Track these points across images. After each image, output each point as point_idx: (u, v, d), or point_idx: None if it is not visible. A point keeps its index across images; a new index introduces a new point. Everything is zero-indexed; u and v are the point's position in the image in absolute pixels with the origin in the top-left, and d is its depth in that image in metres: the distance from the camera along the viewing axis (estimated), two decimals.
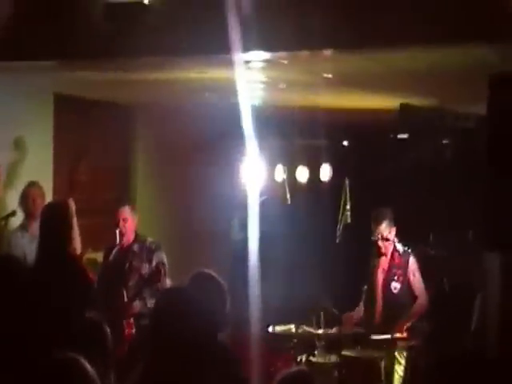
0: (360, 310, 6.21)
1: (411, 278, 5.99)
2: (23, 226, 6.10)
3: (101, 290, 5.21)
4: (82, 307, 3.77)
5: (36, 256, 4.68)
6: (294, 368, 4.11)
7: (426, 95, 6.10)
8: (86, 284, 4.39)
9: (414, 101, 6.10)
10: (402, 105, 5.77)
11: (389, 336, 5.74)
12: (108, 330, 3.60)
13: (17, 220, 6.23)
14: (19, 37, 5.35)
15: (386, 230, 5.96)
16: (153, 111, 7.82)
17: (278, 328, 6.04)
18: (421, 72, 5.13)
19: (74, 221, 5.94)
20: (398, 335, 5.78)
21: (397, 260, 6.01)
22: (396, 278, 5.98)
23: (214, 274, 3.36)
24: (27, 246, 5.75)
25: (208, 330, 2.81)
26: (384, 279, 6.02)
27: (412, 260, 6.02)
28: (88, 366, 2.20)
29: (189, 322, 2.65)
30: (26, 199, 6.20)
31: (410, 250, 6.05)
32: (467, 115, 5.90)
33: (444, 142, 7.30)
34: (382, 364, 5.72)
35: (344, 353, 5.81)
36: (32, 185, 6.37)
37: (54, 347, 2.55)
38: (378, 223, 5.95)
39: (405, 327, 5.87)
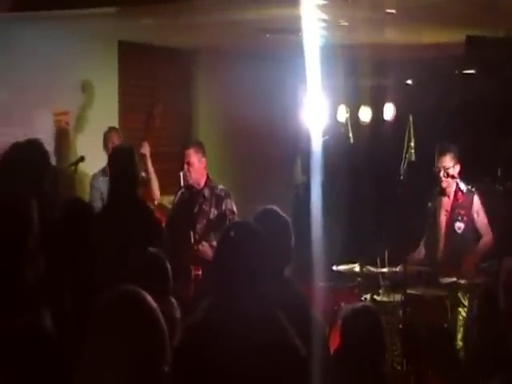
0: (421, 250, 6.15)
1: (475, 217, 5.89)
2: (105, 171, 6.22)
3: (169, 232, 5.30)
4: (147, 245, 3.86)
5: (107, 198, 4.80)
6: (360, 303, 4.16)
7: (492, 27, 5.91)
8: (152, 225, 4.49)
9: (481, 34, 5.92)
10: (468, 37, 5.60)
11: (454, 279, 5.69)
12: (168, 264, 3.72)
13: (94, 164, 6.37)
14: None
15: (450, 164, 5.84)
16: (215, 56, 7.82)
17: (343, 267, 6.07)
18: (486, 2, 4.96)
19: (150, 165, 6.11)
20: (465, 276, 5.71)
21: (460, 199, 5.91)
22: (460, 218, 5.89)
23: (278, 209, 3.37)
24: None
25: (274, 264, 2.83)
26: (448, 219, 5.94)
27: (476, 199, 5.90)
28: (149, 299, 2.24)
29: (255, 255, 2.67)
30: (107, 144, 6.34)
31: (473, 189, 5.94)
32: None
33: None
34: (448, 303, 5.71)
35: (409, 291, 5.80)
36: (112, 129, 6.52)
37: (117, 278, 2.62)
38: (442, 155, 5.83)
39: (471, 265, 5.80)
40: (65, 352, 2.61)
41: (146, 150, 6.06)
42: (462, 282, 5.66)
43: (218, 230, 5.30)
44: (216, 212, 5.54)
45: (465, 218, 5.88)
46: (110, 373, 2.18)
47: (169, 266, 3.77)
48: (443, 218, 5.97)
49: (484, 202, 5.92)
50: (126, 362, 2.17)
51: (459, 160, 5.89)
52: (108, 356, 2.16)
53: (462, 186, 5.93)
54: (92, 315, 2.22)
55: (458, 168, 5.89)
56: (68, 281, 3.36)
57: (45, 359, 2.56)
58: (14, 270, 2.70)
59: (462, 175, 5.93)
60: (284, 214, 3.37)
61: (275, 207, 3.40)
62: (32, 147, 4.34)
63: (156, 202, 6.18)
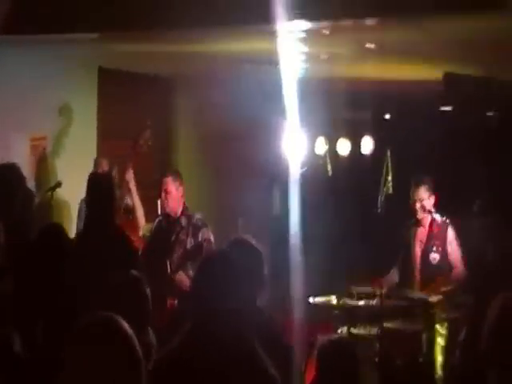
0: (393, 275, 6.14)
1: (449, 248, 5.93)
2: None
3: (146, 260, 5.26)
4: (123, 270, 3.82)
5: (83, 224, 4.76)
6: (336, 335, 4.14)
7: (470, 65, 6.00)
8: (128, 252, 4.45)
9: (459, 71, 6.00)
10: (446, 74, 5.68)
11: (429, 305, 5.70)
12: (147, 287, 3.67)
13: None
14: (62, 10, 5.40)
15: (425, 195, 5.89)
16: (194, 83, 7.85)
17: (319, 299, 6.05)
18: (465, 40, 5.05)
19: (135, 192, 6.05)
20: (434, 298, 5.73)
21: (435, 230, 5.95)
22: (435, 248, 5.92)
23: (250, 239, 3.37)
24: None
25: (247, 293, 2.83)
26: (423, 251, 5.97)
27: (450, 230, 5.94)
28: (125, 325, 2.22)
29: (230, 284, 2.68)
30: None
31: (448, 220, 5.98)
32: None
33: (488, 114, 7.20)
34: (424, 336, 5.71)
35: (385, 325, 5.80)
36: (100, 157, 6.52)
37: (95, 302, 2.58)
38: (417, 187, 5.89)
39: (437, 292, 5.82)
40: (33, 374, 2.56)
41: (129, 176, 6.01)
42: (439, 314, 5.69)
43: (194, 260, 5.29)
44: (193, 241, 5.51)
45: (439, 249, 5.91)
46: None
47: (148, 291, 3.73)
48: (418, 250, 6.00)
49: (460, 235, 5.97)
50: None
51: (434, 191, 5.94)
52: (84, 381, 2.14)
53: (437, 217, 5.97)
54: (67, 340, 2.19)
55: (432, 199, 5.94)
56: (40, 305, 3.30)
57: (12, 380, 2.52)
58: None
59: (438, 207, 5.98)
60: (256, 244, 3.37)
61: (247, 237, 3.39)
62: (5, 171, 4.30)
63: (141, 233, 6.10)
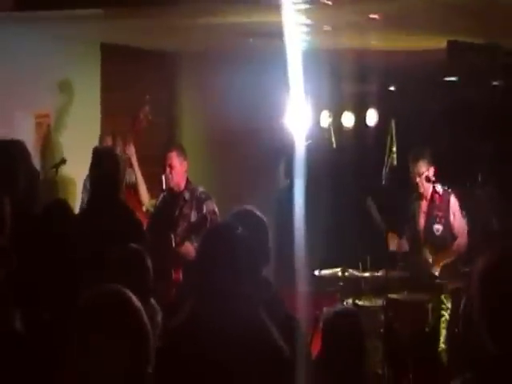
0: (404, 243, 6.14)
1: (451, 218, 5.93)
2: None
3: (151, 235, 5.27)
4: (124, 244, 3.83)
5: (87, 200, 4.77)
6: (341, 306, 4.16)
7: (474, 34, 5.95)
8: (132, 225, 4.46)
9: (463, 39, 5.95)
10: (449, 42, 5.62)
11: (434, 276, 5.72)
12: (148, 260, 3.70)
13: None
14: None
15: (424, 168, 5.88)
16: (198, 59, 7.81)
17: (324, 271, 6.07)
18: (468, 6, 4.99)
19: (137, 167, 6.06)
20: (436, 272, 5.76)
21: (437, 201, 5.95)
22: (438, 219, 5.93)
23: (254, 209, 3.36)
24: None
25: (252, 264, 2.84)
26: (426, 222, 5.99)
27: (453, 200, 5.94)
28: (134, 299, 2.21)
29: (236, 255, 2.68)
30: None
31: (450, 190, 5.97)
32: None
33: (494, 83, 7.14)
34: (429, 307, 5.73)
35: (390, 296, 5.82)
36: (105, 134, 6.52)
37: (97, 276, 2.59)
38: (415, 161, 5.89)
39: (441, 263, 5.83)
40: (36, 352, 2.57)
41: (131, 151, 6.03)
42: (444, 284, 5.70)
43: (199, 232, 5.31)
44: (197, 215, 5.53)
45: (442, 220, 5.92)
46: (94, 373, 2.15)
47: (150, 264, 3.75)
48: (422, 222, 6.01)
49: (463, 206, 5.96)
50: (110, 362, 2.14)
51: (433, 163, 5.93)
52: (92, 356, 2.13)
53: (439, 188, 5.96)
54: (75, 314, 2.18)
55: (432, 171, 5.92)
56: (44, 280, 3.32)
57: (14, 359, 2.52)
58: None
59: (439, 177, 5.96)
60: (260, 214, 3.36)
61: (251, 207, 3.39)
62: (10, 146, 4.31)
63: (144, 209, 6.12)
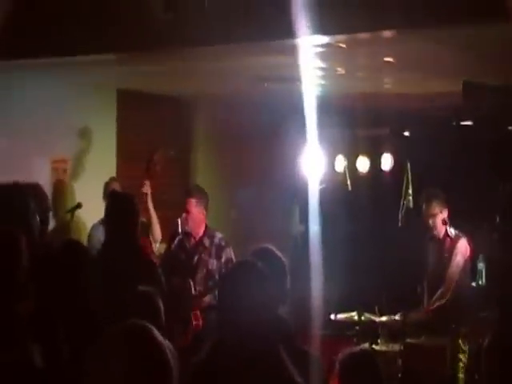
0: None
1: (453, 258, 5.82)
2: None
3: (165, 277, 5.25)
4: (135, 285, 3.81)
5: (103, 243, 4.75)
6: (357, 348, 4.08)
7: (488, 75, 5.96)
8: (147, 267, 4.43)
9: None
10: (465, 82, 5.63)
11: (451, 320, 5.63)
12: (159, 300, 3.67)
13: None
14: (79, 32, 5.45)
15: (437, 210, 5.83)
16: (214, 104, 7.88)
17: (341, 315, 6.00)
18: (483, 48, 5.01)
19: (151, 205, 6.05)
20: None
21: (448, 244, 5.89)
22: (445, 261, 5.85)
23: (274, 248, 3.35)
24: None
25: (271, 303, 2.80)
26: (435, 264, 5.91)
27: (461, 243, 5.84)
28: (158, 334, 2.16)
29: (258, 294, 2.64)
30: (107, 194, 6.32)
31: (460, 234, 5.89)
32: None
33: (510, 128, 7.14)
34: (448, 351, 5.63)
35: (408, 341, 5.73)
36: (113, 180, 6.51)
37: (109, 317, 2.56)
38: (429, 203, 5.84)
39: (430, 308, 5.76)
40: None
41: (147, 189, 6.01)
42: (462, 329, 5.61)
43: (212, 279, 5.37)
44: (215, 262, 5.58)
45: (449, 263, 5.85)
46: None
47: (161, 305, 3.72)
48: (432, 263, 5.94)
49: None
50: None
51: (446, 205, 5.88)
52: None
53: (451, 231, 5.90)
54: (96, 349, 2.12)
55: (445, 213, 5.87)
56: (61, 319, 3.30)
57: None
58: (3, 304, 2.65)
59: (452, 220, 5.91)
60: (279, 253, 3.34)
61: (271, 246, 3.37)
62: (31, 189, 4.33)
63: (156, 252, 6.09)
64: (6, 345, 2.55)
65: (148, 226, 5.98)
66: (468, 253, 5.88)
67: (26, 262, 2.82)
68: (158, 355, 2.11)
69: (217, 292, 5.19)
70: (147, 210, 5.99)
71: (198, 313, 5.44)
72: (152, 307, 3.68)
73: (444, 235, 5.90)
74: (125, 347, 2.08)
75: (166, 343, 3.65)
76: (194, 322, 5.42)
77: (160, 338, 2.14)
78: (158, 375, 2.09)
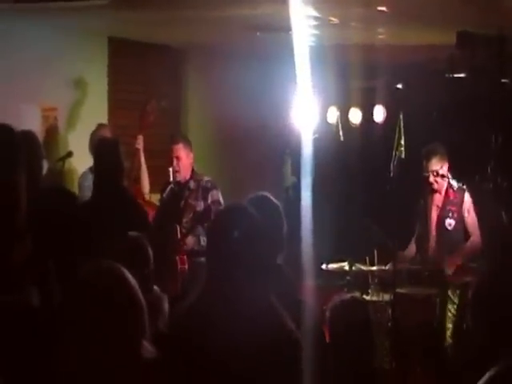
0: (412, 247, 6.15)
1: (465, 215, 5.91)
2: (93, 169, 6.13)
3: (157, 227, 5.26)
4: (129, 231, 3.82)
5: (92, 189, 4.76)
6: (348, 295, 4.12)
7: (482, 26, 5.90)
8: (137, 213, 4.45)
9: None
10: (459, 32, 5.59)
11: (442, 270, 5.69)
12: (150, 249, 3.68)
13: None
14: None
15: (438, 166, 5.86)
16: (206, 53, 7.80)
17: (332, 265, 6.05)
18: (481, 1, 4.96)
19: (143, 160, 6.06)
20: (449, 272, 5.73)
21: (451, 196, 5.92)
22: (451, 214, 5.90)
23: (270, 195, 3.33)
24: None
25: (268, 250, 2.77)
26: (438, 216, 5.95)
27: (467, 197, 5.91)
28: (127, 274, 2.22)
29: (250, 239, 2.60)
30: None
31: (464, 186, 5.94)
32: None
33: (502, 80, 7.10)
34: (437, 302, 5.70)
35: (398, 290, 5.79)
36: (101, 127, 6.45)
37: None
38: (429, 159, 5.86)
39: (456, 264, 5.79)
40: (51, 328, 2.58)
41: (140, 144, 6.02)
42: (452, 279, 5.66)
43: (203, 223, 5.32)
44: (202, 204, 5.54)
45: (455, 215, 5.89)
46: (89, 346, 2.15)
47: (150, 252, 3.74)
48: (434, 214, 5.98)
49: (474, 200, 5.93)
50: (106, 335, 2.15)
51: (447, 159, 5.90)
52: (87, 329, 2.14)
53: (453, 184, 5.94)
54: (70, 289, 2.20)
55: (446, 167, 5.90)
56: (53, 262, 3.32)
57: (32, 336, 2.54)
58: (2, 249, 2.68)
59: (452, 172, 5.94)
60: (276, 201, 3.33)
61: (267, 193, 3.35)
62: (23, 136, 4.30)
63: (146, 197, 6.13)
64: (6, 287, 2.59)
65: (138, 178, 5.98)
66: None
67: (25, 205, 2.83)
68: (128, 293, 2.19)
69: (203, 237, 5.26)
70: (139, 164, 5.99)
71: (185, 257, 5.42)
72: (141, 254, 3.70)
73: (447, 187, 5.94)
74: (96, 285, 2.22)
75: (155, 290, 3.69)
76: (179, 266, 5.40)
77: (130, 278, 2.20)
78: (128, 312, 2.17)
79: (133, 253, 3.65)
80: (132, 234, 3.81)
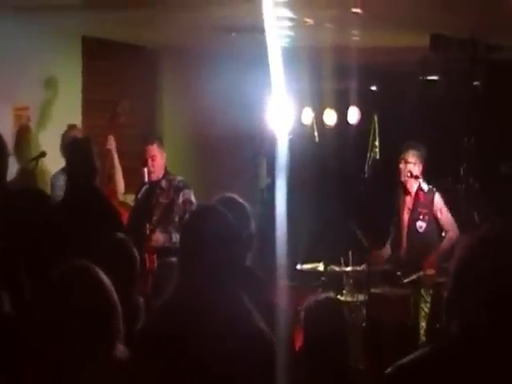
0: (387, 248, 6.20)
1: (438, 215, 5.96)
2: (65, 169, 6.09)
3: (130, 227, 5.23)
4: (109, 233, 3.80)
5: (64, 189, 4.73)
6: (322, 295, 4.13)
7: (456, 30, 5.96)
8: (110, 213, 4.43)
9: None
10: (432, 35, 5.64)
11: (419, 273, 5.74)
12: (134, 249, 3.66)
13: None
14: None
15: (413, 159, 5.91)
16: (180, 54, 7.78)
17: (306, 266, 6.06)
18: (451, 2, 5.00)
19: (116, 160, 6.04)
20: (428, 271, 5.76)
21: (422, 198, 5.97)
22: (421, 217, 5.94)
23: (236, 196, 3.34)
24: None
25: (237, 249, 2.78)
26: (409, 219, 6.00)
27: (437, 197, 5.97)
28: (101, 273, 2.20)
29: (220, 239, 2.62)
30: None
31: (434, 189, 5.99)
32: (499, 46, 5.75)
33: (475, 83, 7.18)
34: (411, 301, 5.74)
35: (372, 291, 5.82)
36: (72, 128, 6.40)
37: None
38: (407, 150, 5.91)
39: (434, 261, 5.84)
40: (23, 334, 2.54)
41: (111, 145, 5.99)
42: (425, 279, 5.71)
43: (167, 219, 5.30)
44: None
45: (426, 217, 5.94)
46: (62, 347, 2.13)
47: (136, 253, 3.72)
48: (405, 217, 6.03)
49: (447, 201, 5.99)
50: (79, 336, 2.13)
51: (422, 160, 5.95)
52: (59, 329, 2.12)
53: (424, 186, 5.98)
54: (43, 289, 2.18)
55: (420, 167, 5.95)
56: (24, 262, 3.28)
57: (4, 342, 2.50)
58: None
59: (424, 175, 5.99)
60: (242, 201, 3.34)
61: (233, 194, 3.37)
62: None
63: (120, 198, 6.10)
64: None
65: (112, 178, 5.95)
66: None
67: None
68: (102, 294, 2.18)
69: (175, 234, 5.22)
70: (112, 164, 5.96)
71: (154, 256, 5.37)
72: (127, 255, 3.68)
73: (417, 189, 5.98)
74: (69, 285, 2.22)
75: (136, 291, 3.66)
76: (148, 265, 5.35)
77: (105, 278, 2.19)
78: (102, 313, 2.16)
79: (120, 254, 3.62)
80: (119, 234, 3.78)
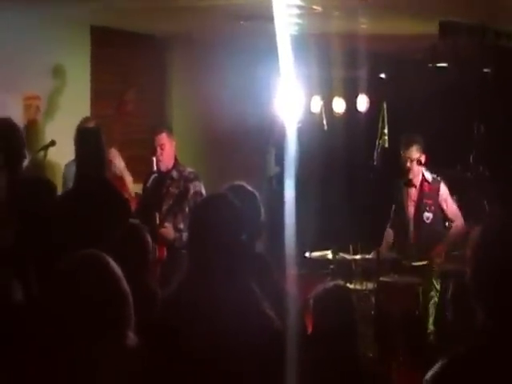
0: (389, 232, 6.17)
1: (444, 205, 5.94)
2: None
3: (139, 216, 5.23)
4: (122, 220, 3.81)
5: (74, 180, 4.74)
6: (331, 283, 4.13)
7: (465, 17, 5.92)
8: (120, 203, 4.44)
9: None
10: (441, 22, 5.60)
11: (427, 264, 5.73)
12: (147, 234, 3.67)
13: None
14: None
15: (417, 155, 5.89)
16: (189, 43, 7.77)
17: (315, 254, 6.06)
18: None
19: (123, 165, 6.03)
20: (437, 260, 5.76)
21: (426, 189, 5.95)
22: (428, 208, 5.93)
23: (245, 184, 3.34)
24: None
25: (246, 237, 2.79)
26: (415, 210, 5.98)
27: (443, 187, 5.94)
28: (113, 263, 2.21)
29: (229, 228, 2.62)
30: None
31: (439, 178, 5.97)
32: (509, 33, 5.72)
33: (484, 70, 7.15)
34: (420, 290, 5.74)
35: (381, 279, 5.81)
36: (86, 120, 6.42)
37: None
38: (409, 147, 5.89)
39: (443, 251, 5.84)
40: (34, 323, 2.56)
41: (113, 156, 5.92)
42: (435, 267, 5.70)
43: (178, 211, 5.30)
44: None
45: (432, 208, 5.92)
46: (73, 337, 2.14)
47: (149, 239, 3.74)
48: (411, 209, 6.01)
49: (456, 190, 5.97)
50: (89, 325, 2.14)
51: (424, 150, 5.93)
52: (70, 319, 2.13)
53: (428, 176, 5.96)
54: (53, 279, 2.19)
55: (423, 158, 5.92)
56: (33, 252, 3.31)
57: (15, 329, 2.52)
58: None
59: (428, 165, 5.97)
60: (252, 189, 3.34)
61: (243, 183, 3.37)
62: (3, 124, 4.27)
63: (132, 193, 6.09)
64: None
65: (121, 179, 5.95)
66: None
67: (4, 195, 2.81)
68: (112, 283, 2.18)
69: (185, 233, 5.23)
70: (119, 170, 5.95)
71: (164, 249, 5.38)
72: (141, 240, 3.69)
73: (421, 180, 5.96)
74: (79, 275, 2.21)
75: (151, 276, 3.68)
76: (157, 255, 5.35)
77: (115, 267, 2.19)
78: (112, 302, 2.16)
79: (131, 239, 3.63)
80: (132, 221, 3.79)
